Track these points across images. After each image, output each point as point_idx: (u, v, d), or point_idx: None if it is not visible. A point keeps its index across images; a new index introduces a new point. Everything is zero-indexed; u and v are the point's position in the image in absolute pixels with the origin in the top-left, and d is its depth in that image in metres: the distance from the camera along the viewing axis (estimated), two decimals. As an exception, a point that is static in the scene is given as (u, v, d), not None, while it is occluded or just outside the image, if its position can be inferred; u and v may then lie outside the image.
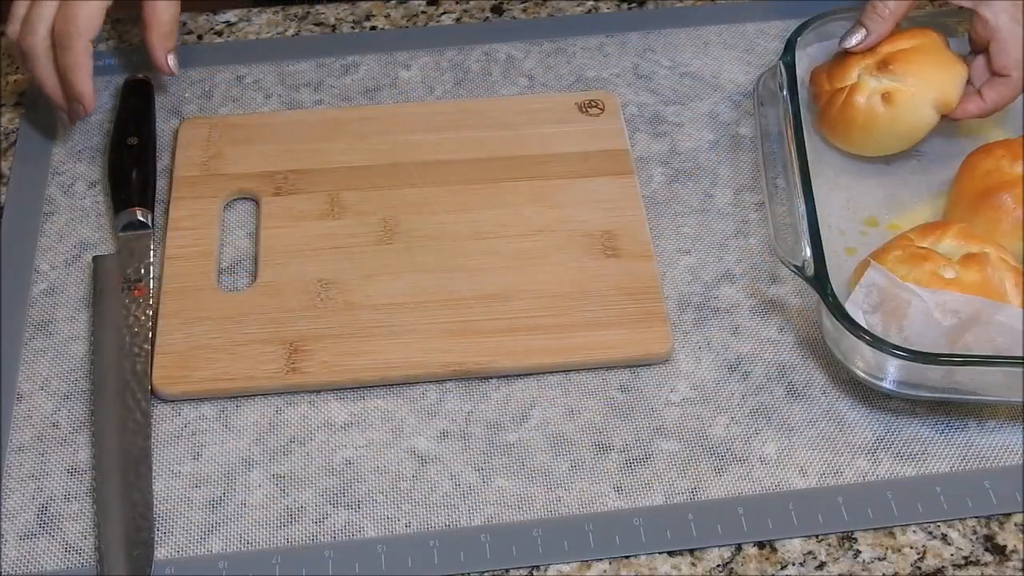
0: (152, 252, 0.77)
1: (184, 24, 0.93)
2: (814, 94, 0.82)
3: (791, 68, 0.79)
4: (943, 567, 0.65)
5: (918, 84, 0.77)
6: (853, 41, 0.78)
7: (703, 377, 0.72)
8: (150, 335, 0.73)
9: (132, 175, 0.80)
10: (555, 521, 0.67)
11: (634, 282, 0.75)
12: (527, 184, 0.80)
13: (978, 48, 0.79)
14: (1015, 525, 0.67)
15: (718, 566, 0.65)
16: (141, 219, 0.78)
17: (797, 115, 0.76)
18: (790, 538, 0.66)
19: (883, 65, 0.78)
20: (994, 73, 0.78)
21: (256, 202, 0.80)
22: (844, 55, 0.80)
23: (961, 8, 0.78)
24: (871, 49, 0.79)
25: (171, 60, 0.83)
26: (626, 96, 0.87)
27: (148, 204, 0.79)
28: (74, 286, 0.77)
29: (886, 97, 0.78)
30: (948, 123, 0.80)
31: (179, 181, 0.80)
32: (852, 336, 0.67)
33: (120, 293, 0.75)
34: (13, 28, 0.80)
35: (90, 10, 0.78)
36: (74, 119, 0.81)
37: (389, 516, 0.67)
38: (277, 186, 0.80)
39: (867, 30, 0.78)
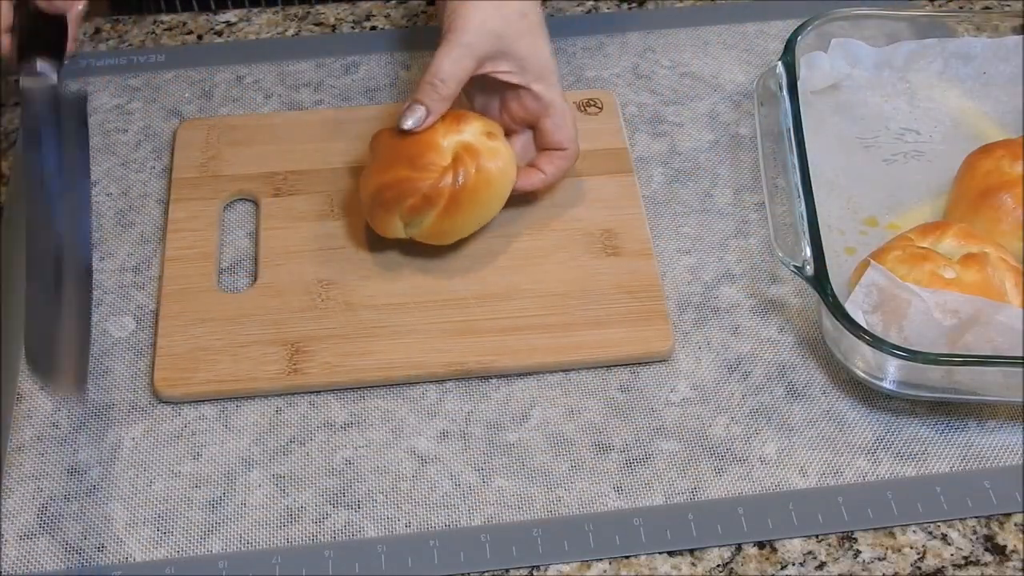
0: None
1: (184, 24, 0.93)
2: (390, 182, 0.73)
3: (791, 68, 0.78)
4: (943, 567, 0.65)
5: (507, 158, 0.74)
6: (410, 123, 0.72)
7: (703, 377, 0.72)
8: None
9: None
10: (555, 521, 0.67)
11: (634, 280, 0.75)
12: (527, 184, 0.80)
13: (527, 123, 0.77)
14: (1015, 525, 0.67)
15: (718, 566, 0.65)
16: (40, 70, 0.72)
17: (797, 115, 0.76)
18: (790, 538, 0.66)
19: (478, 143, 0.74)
20: (549, 148, 0.77)
21: (256, 203, 0.80)
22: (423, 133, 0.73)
23: (961, 8, 0.78)
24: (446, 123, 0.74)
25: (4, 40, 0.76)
26: (626, 96, 0.87)
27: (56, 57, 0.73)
28: (74, 286, 0.77)
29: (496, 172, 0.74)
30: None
31: (178, 182, 0.80)
32: (852, 336, 0.67)
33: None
34: None
35: None
36: None
37: (389, 516, 0.67)
38: (277, 187, 0.80)
39: (427, 109, 0.72)
